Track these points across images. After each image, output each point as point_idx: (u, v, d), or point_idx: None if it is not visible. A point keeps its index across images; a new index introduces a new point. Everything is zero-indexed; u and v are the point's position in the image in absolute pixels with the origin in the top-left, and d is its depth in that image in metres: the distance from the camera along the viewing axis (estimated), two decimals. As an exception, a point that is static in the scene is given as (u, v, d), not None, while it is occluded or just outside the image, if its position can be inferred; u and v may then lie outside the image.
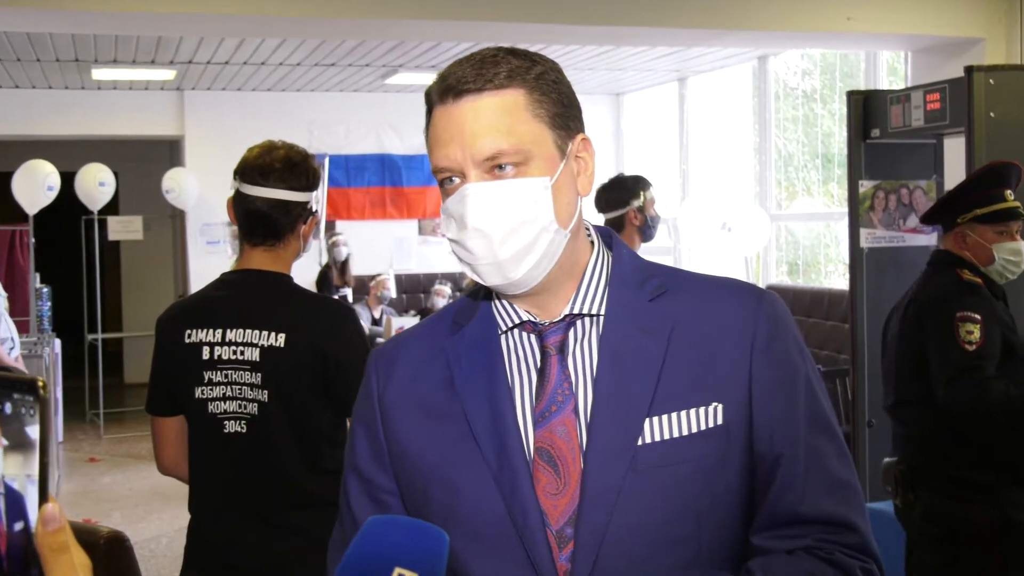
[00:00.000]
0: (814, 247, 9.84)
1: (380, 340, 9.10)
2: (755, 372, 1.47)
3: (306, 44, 8.75)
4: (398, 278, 11.57)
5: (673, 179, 10.68)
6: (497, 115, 1.43)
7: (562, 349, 1.50)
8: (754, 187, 9.99)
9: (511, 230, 1.43)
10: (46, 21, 6.28)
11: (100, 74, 9.84)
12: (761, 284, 9.20)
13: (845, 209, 5.59)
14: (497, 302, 1.55)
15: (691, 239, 9.53)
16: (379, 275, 10.08)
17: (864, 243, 5.30)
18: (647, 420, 1.44)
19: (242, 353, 2.71)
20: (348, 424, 2.77)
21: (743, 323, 1.49)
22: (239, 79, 10.50)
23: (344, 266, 9.91)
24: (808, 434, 1.48)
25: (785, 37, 7.15)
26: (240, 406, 2.70)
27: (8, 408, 0.96)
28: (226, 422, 2.71)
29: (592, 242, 1.56)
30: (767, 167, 9.71)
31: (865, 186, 5.30)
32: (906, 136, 5.19)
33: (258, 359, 2.69)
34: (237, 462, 2.71)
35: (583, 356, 1.50)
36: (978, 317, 3.44)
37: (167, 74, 9.99)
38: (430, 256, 11.86)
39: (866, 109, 5.30)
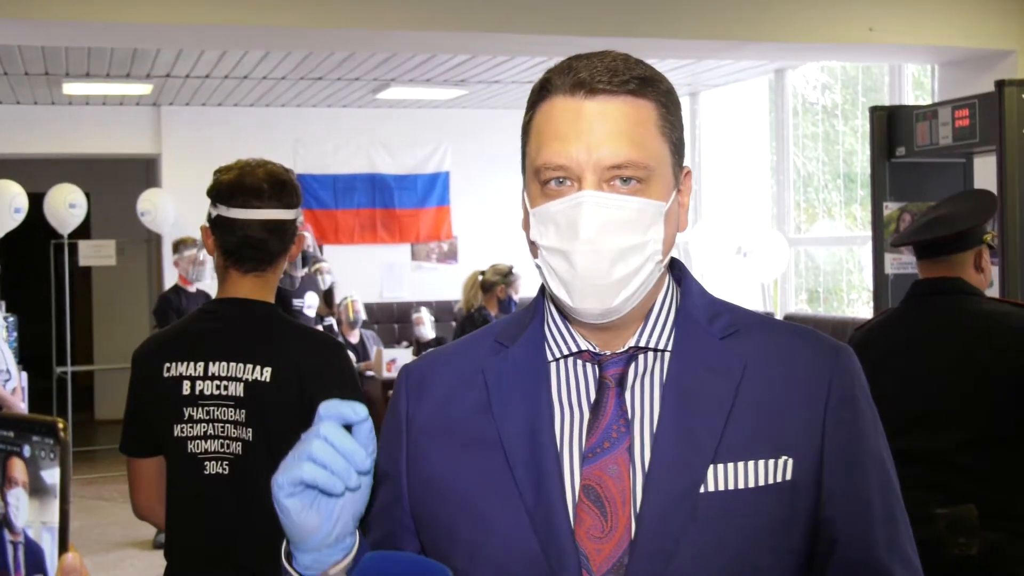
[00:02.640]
0: (836, 273, 9.85)
1: (370, 374, 9.09)
2: (828, 430, 1.46)
3: (291, 57, 8.79)
4: (389, 306, 11.56)
5: (684, 200, 10.68)
6: (631, 123, 1.43)
7: (621, 382, 1.48)
8: (771, 209, 10.01)
9: (623, 252, 1.41)
10: (14, 32, 6.31)
11: (71, 89, 9.88)
12: (779, 313, 9.21)
13: (869, 233, 5.61)
14: (552, 326, 1.53)
15: (704, 265, 9.54)
16: (345, 298, 10.00)
17: (889, 269, 5.30)
18: (711, 467, 1.42)
19: (226, 388, 2.71)
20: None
21: (818, 376, 1.48)
22: (220, 94, 10.54)
23: (328, 295, 9.90)
24: (879, 502, 1.48)
25: (804, 49, 7.18)
26: (222, 445, 2.70)
27: (27, 451, 0.96)
28: (206, 463, 2.71)
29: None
30: (785, 188, 9.74)
31: (890, 208, 5.31)
32: (933, 155, 5.21)
33: (242, 394, 2.69)
34: (218, 506, 2.70)
35: (643, 393, 1.48)
36: None
37: (143, 89, 10.03)
38: (423, 283, 11.85)
39: (890, 126, 5.32)
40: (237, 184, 2.79)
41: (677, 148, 1.48)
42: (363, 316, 9.95)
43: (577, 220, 1.40)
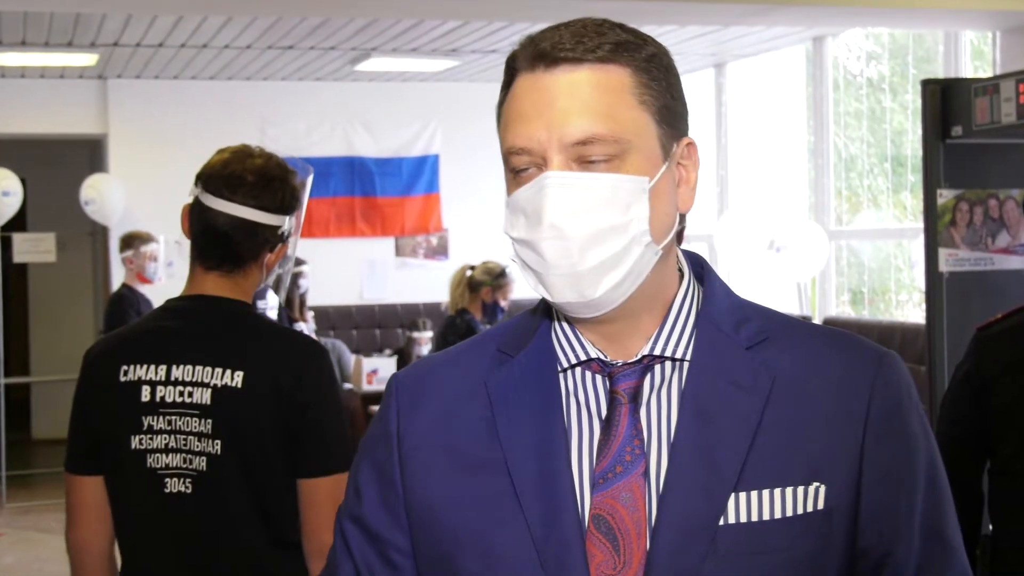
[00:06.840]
0: (882, 271, 9.87)
1: (348, 386, 9.12)
2: (868, 451, 1.48)
3: (258, 23, 8.80)
4: (371, 308, 11.55)
5: (709, 187, 10.71)
6: (596, 93, 1.44)
7: (635, 397, 1.50)
8: (808, 198, 10.02)
9: (596, 236, 1.42)
10: (-59, -6, 6.33)
11: (4, 59, 9.89)
12: (818, 316, 9.22)
13: (920, 224, 5.63)
14: (559, 331, 1.55)
15: (731, 262, 9.55)
16: None
17: (944, 266, 5.32)
18: (733, 495, 1.44)
19: (190, 395, 2.72)
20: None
21: (857, 388, 1.49)
22: (175, 66, 10.55)
23: (302, 298, 9.93)
24: (925, 532, 1.50)
25: (846, 13, 7.20)
26: (185, 460, 2.71)
27: None
28: (167, 479, 2.72)
29: (681, 271, 1.57)
30: (824, 173, 9.75)
31: (945, 196, 5.33)
32: (994, 135, 5.22)
33: (209, 402, 2.70)
34: (180, 529, 2.72)
35: (660, 409, 1.50)
36: None
37: (87, 59, 10.03)
38: (410, 282, 11.84)
39: (945, 102, 5.34)
40: (220, 169, 2.81)
41: (665, 117, 1.49)
42: (313, 324, 9.93)
43: (541, 205, 1.42)
